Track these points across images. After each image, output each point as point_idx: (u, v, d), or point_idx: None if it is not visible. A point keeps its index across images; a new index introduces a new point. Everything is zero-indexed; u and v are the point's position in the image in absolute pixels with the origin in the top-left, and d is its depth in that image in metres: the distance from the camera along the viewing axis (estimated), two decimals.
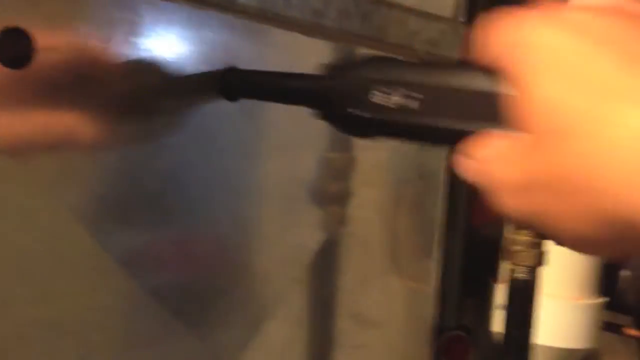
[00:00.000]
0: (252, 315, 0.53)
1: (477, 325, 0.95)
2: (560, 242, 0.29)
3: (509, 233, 0.60)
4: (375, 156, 0.63)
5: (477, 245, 0.93)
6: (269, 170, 0.53)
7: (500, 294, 0.77)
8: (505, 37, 0.28)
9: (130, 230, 0.43)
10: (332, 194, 0.62)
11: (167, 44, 0.42)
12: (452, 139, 0.29)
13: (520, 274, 0.59)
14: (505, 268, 0.64)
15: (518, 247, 0.59)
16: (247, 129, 0.50)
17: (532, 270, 0.59)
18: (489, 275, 0.89)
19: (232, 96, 0.43)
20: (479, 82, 0.28)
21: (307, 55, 0.54)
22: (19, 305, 0.36)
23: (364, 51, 0.58)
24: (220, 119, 0.48)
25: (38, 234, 0.36)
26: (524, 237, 0.58)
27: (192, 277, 0.48)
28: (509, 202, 0.28)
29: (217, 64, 0.45)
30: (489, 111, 0.27)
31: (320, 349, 0.60)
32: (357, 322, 0.63)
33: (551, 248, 0.75)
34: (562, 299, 0.77)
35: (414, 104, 0.30)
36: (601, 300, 0.79)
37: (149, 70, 0.41)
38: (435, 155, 0.70)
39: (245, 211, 0.52)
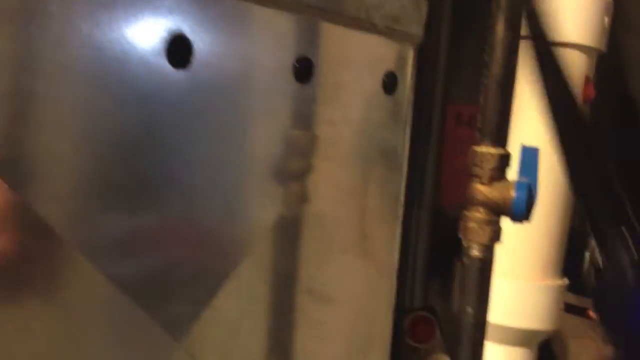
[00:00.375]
0: (206, 289, 0.53)
1: (443, 306, 0.95)
2: None
3: (465, 211, 0.60)
4: (337, 133, 0.63)
5: (445, 226, 0.93)
6: (230, 146, 0.53)
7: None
8: None
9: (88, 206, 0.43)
10: (293, 170, 0.62)
11: None
12: None
13: (475, 251, 0.59)
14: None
15: (473, 224, 0.59)
16: (210, 105, 0.50)
17: (487, 247, 0.59)
18: (456, 256, 0.89)
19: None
20: None
21: (264, 27, 0.54)
22: None
23: (322, 24, 0.58)
24: (182, 95, 0.47)
25: None
26: (478, 214, 0.58)
27: (145, 251, 0.48)
28: None
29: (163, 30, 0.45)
30: None
31: (276, 324, 0.60)
32: (313, 298, 0.63)
33: (515, 230, 0.76)
34: (524, 280, 0.77)
35: None
36: (564, 282, 0.80)
37: None
38: (397, 133, 0.70)
39: (204, 186, 0.51)
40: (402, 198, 0.74)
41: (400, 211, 0.74)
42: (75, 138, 0.42)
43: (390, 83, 0.67)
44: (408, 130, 0.72)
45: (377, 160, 0.68)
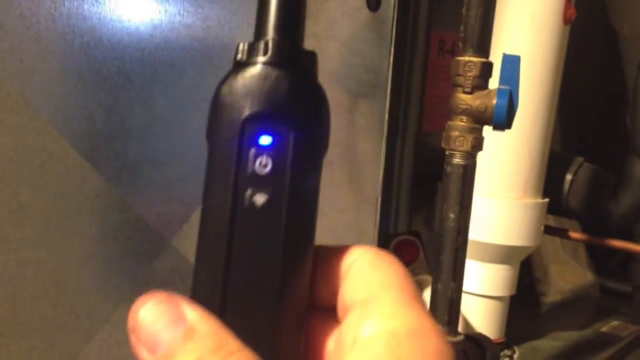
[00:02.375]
0: (195, 192, 0.54)
1: (427, 234, 0.98)
2: None
3: (449, 120, 0.61)
4: (321, 46, 0.63)
5: (427, 152, 0.95)
6: (206, 60, 0.54)
7: None
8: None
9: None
10: None
11: None
12: None
13: (457, 159, 0.60)
14: None
15: (455, 133, 0.60)
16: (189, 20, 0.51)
17: (469, 155, 0.60)
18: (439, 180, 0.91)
19: None
20: None
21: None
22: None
23: None
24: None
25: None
26: (461, 123, 0.60)
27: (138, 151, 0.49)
28: None
29: None
30: None
31: None
32: None
33: (495, 147, 0.77)
34: (504, 198, 0.79)
35: None
36: (544, 201, 0.82)
37: None
38: (381, 51, 0.71)
39: (187, 97, 0.52)
40: (386, 117, 0.75)
41: (385, 129, 0.76)
42: None
43: (374, 0, 0.68)
44: (392, 50, 0.73)
45: (361, 77, 0.69)
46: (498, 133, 0.61)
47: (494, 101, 0.58)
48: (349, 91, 0.69)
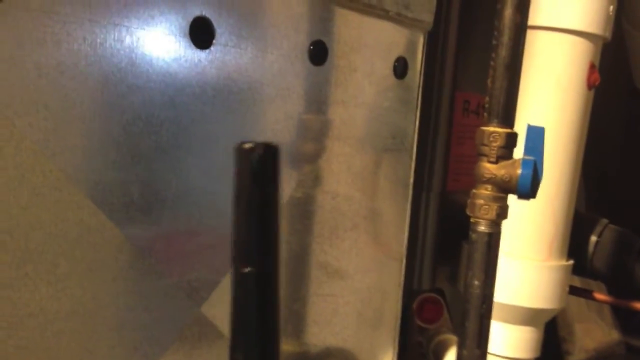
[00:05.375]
0: (225, 259, 0.56)
1: (451, 291, 0.98)
2: None
3: (473, 189, 0.62)
4: (349, 114, 0.65)
5: (452, 212, 0.96)
6: (243, 130, 0.55)
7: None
8: None
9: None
10: (306, 154, 0.64)
11: None
12: None
13: (482, 227, 0.61)
14: None
15: (480, 201, 0.61)
16: (225, 91, 0.52)
17: (494, 223, 0.61)
18: (463, 241, 0.92)
19: None
20: None
21: (282, 12, 0.56)
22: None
23: (336, 10, 0.61)
24: (202, 75, 0.50)
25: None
26: (486, 191, 0.61)
27: (166, 219, 0.50)
28: None
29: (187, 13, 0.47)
30: None
31: (290, 296, 0.63)
32: (327, 272, 0.66)
33: (521, 210, 0.78)
34: (529, 259, 0.79)
35: None
36: (569, 263, 0.82)
37: None
38: (407, 117, 0.73)
39: (219, 168, 0.54)
40: (411, 180, 0.76)
41: (409, 193, 0.77)
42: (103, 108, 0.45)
43: (400, 68, 0.69)
44: (418, 115, 0.75)
45: (387, 142, 0.71)
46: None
47: (519, 171, 0.59)
48: (375, 155, 0.70)
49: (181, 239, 0.51)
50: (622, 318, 1.15)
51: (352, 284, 0.70)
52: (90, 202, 0.44)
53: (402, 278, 0.77)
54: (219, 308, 0.54)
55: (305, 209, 0.63)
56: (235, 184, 0.28)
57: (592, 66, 0.77)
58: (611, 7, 0.77)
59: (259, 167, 0.25)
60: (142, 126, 0.47)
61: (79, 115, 0.43)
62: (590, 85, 0.79)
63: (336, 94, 0.63)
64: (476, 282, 0.62)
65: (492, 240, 0.62)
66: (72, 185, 0.43)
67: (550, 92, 0.77)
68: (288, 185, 0.62)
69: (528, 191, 0.60)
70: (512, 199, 0.61)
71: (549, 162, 0.74)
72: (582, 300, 1.04)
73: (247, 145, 0.26)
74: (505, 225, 0.71)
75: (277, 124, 0.58)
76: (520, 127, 0.62)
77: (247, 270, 0.24)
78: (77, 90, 0.43)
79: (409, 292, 0.91)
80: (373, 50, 0.65)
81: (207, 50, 0.50)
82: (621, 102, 1.16)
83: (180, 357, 0.52)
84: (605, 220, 0.92)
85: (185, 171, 0.50)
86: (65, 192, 0.43)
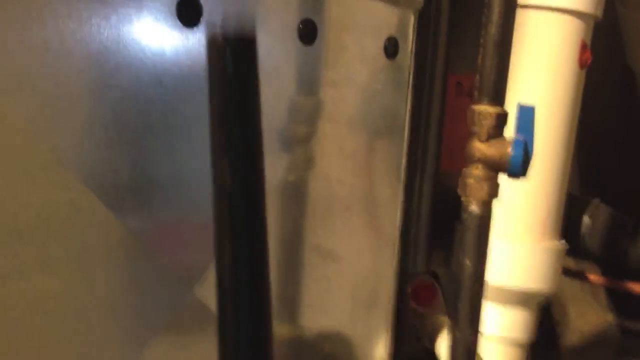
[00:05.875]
0: None
1: (446, 274, 0.98)
2: None
3: (464, 168, 0.62)
4: (339, 94, 0.65)
5: (446, 195, 0.95)
6: None
7: None
8: None
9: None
10: (297, 135, 0.64)
11: None
12: None
13: (473, 207, 0.61)
14: None
15: (471, 181, 0.61)
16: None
17: (485, 203, 0.61)
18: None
19: None
20: None
21: None
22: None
23: None
24: (188, 59, 0.49)
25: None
26: (477, 171, 0.61)
27: (159, 202, 0.50)
28: None
29: None
30: None
31: (284, 279, 0.63)
32: (320, 254, 0.66)
33: (513, 191, 0.78)
34: (522, 241, 0.79)
35: None
36: (562, 244, 0.82)
37: None
38: (399, 97, 0.72)
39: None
40: (404, 161, 0.76)
41: (402, 175, 0.77)
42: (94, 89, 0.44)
43: (391, 48, 0.69)
44: (410, 95, 0.74)
45: (379, 123, 0.71)
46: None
47: (510, 150, 0.59)
48: (367, 136, 0.70)
49: (173, 220, 0.50)
50: (617, 300, 1.16)
51: (345, 267, 0.70)
52: (79, 183, 0.44)
53: (396, 260, 0.77)
54: (212, 290, 0.54)
55: (297, 191, 0.63)
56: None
57: (583, 45, 0.77)
58: None
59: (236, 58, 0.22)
60: (130, 106, 0.47)
61: (66, 94, 0.43)
62: (582, 64, 0.78)
63: (326, 74, 0.63)
64: (468, 262, 0.62)
65: (484, 220, 0.62)
66: (60, 165, 0.43)
67: (541, 71, 0.77)
68: (279, 167, 0.62)
69: (519, 170, 0.60)
70: (505, 179, 0.61)
71: (540, 142, 0.74)
72: (576, 282, 1.05)
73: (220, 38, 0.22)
74: (498, 206, 0.70)
75: (266, 104, 0.58)
76: (511, 107, 0.62)
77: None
78: (63, 69, 0.43)
79: (404, 276, 0.91)
80: (363, 29, 0.65)
81: (195, 29, 0.49)
82: (615, 83, 1.16)
83: (173, 339, 0.52)
84: (597, 201, 0.92)
85: (176, 151, 0.50)
86: (53, 172, 0.43)
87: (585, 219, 0.90)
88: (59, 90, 0.43)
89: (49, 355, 0.44)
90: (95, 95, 0.45)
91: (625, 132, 1.15)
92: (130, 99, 0.46)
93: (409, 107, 0.74)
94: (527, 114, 0.61)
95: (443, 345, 0.82)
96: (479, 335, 0.63)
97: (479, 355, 0.63)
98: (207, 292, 0.53)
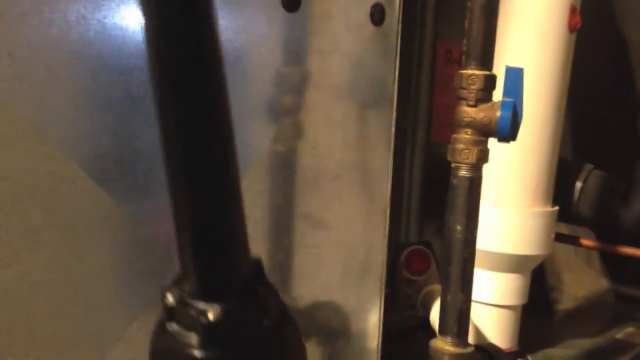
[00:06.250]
0: None
1: (439, 243, 0.98)
2: None
3: (454, 133, 0.62)
4: (326, 62, 0.64)
5: (438, 161, 0.95)
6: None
7: None
8: None
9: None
10: (283, 104, 0.63)
11: None
12: None
13: (463, 172, 0.61)
14: None
15: (460, 146, 0.61)
16: None
17: (475, 167, 0.61)
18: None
19: None
20: None
21: None
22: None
23: None
24: None
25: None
26: (466, 135, 0.60)
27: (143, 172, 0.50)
28: None
29: None
30: None
31: (274, 247, 0.63)
32: (310, 223, 0.66)
33: (503, 156, 0.78)
34: (513, 206, 0.79)
35: None
36: (554, 209, 0.82)
37: None
38: (386, 64, 0.72)
39: None
40: (392, 130, 0.75)
41: (392, 143, 0.76)
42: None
43: (378, 14, 0.68)
44: (397, 64, 0.74)
45: (367, 91, 0.70)
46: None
47: (498, 114, 0.59)
48: (356, 105, 0.70)
49: (157, 190, 0.50)
50: (611, 266, 1.16)
51: (336, 235, 0.69)
52: (60, 153, 0.44)
53: (387, 229, 0.77)
54: None
55: (285, 159, 0.63)
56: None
57: (572, 9, 0.77)
58: None
59: None
60: (111, 75, 0.46)
61: (44, 63, 0.42)
62: (571, 29, 0.78)
63: (312, 41, 0.62)
64: (458, 227, 0.62)
65: (473, 185, 0.61)
66: (40, 135, 0.42)
67: (531, 36, 0.76)
68: (267, 137, 0.61)
69: (508, 134, 0.60)
70: (496, 146, 0.61)
71: (530, 106, 0.74)
72: (570, 248, 1.05)
73: None
74: (489, 173, 0.70)
75: (251, 72, 0.57)
76: (501, 71, 0.61)
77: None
78: (40, 37, 0.42)
79: (397, 246, 0.91)
80: None
81: None
82: (607, 48, 1.15)
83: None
84: (590, 166, 0.92)
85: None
86: (33, 142, 0.42)
87: (578, 185, 0.90)
88: (37, 59, 0.42)
89: (34, 326, 0.44)
90: (74, 64, 0.44)
91: (616, 98, 1.14)
92: (110, 68, 0.46)
93: (396, 75, 0.73)
94: (515, 76, 0.60)
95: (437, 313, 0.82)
96: (471, 300, 0.63)
97: (470, 319, 0.63)
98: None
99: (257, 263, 0.17)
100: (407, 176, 0.90)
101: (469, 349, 0.64)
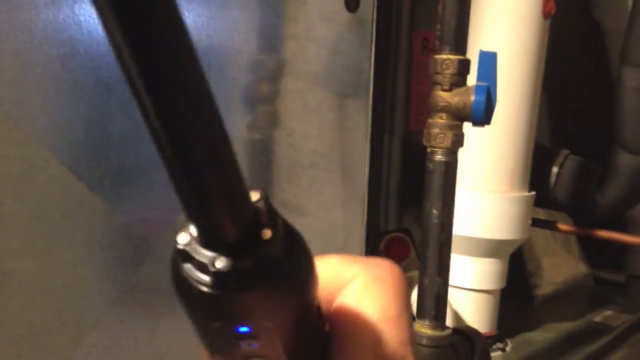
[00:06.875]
0: None
1: (418, 231, 0.98)
2: None
3: (429, 118, 0.62)
4: (301, 48, 0.64)
5: (416, 149, 0.96)
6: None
7: None
8: None
9: None
10: (258, 91, 0.63)
11: None
12: None
13: (438, 156, 0.61)
14: None
15: (436, 130, 0.61)
16: None
17: (450, 152, 0.61)
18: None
19: None
20: None
21: None
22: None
23: None
24: None
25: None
26: (441, 120, 0.61)
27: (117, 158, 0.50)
28: None
29: None
30: None
31: None
32: (287, 209, 0.66)
33: (479, 141, 0.78)
34: (490, 192, 0.80)
35: None
36: (530, 194, 0.82)
37: None
38: (361, 51, 0.72)
39: None
40: (369, 117, 0.76)
41: (368, 130, 0.76)
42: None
43: (352, 1, 0.68)
44: (373, 51, 0.74)
45: (343, 78, 0.70)
46: (483, 128, 0.62)
47: (472, 98, 0.59)
48: (332, 92, 0.70)
49: (130, 176, 0.50)
50: (591, 250, 1.17)
51: (314, 222, 0.70)
52: (31, 139, 0.43)
53: (365, 215, 0.77)
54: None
55: (261, 146, 0.63)
56: None
57: None
58: None
59: None
60: (81, 60, 0.46)
61: (12, 49, 0.42)
62: (545, 15, 0.78)
63: (286, 27, 0.62)
64: (435, 211, 0.62)
65: (449, 169, 0.62)
66: (9, 121, 0.42)
67: (506, 21, 0.77)
68: (242, 124, 0.61)
69: (482, 117, 0.60)
70: (473, 131, 0.61)
71: (505, 91, 0.74)
72: (548, 234, 1.06)
73: None
74: (466, 158, 0.71)
75: (225, 59, 0.57)
76: (475, 56, 0.62)
77: None
78: (8, 23, 0.42)
79: (376, 233, 0.91)
80: None
81: None
82: (582, 35, 1.16)
83: (138, 296, 0.51)
84: (566, 151, 0.93)
85: (131, 107, 0.49)
86: (4, 128, 0.42)
87: (554, 170, 0.91)
88: (3, 45, 0.42)
89: (7, 314, 0.43)
90: (43, 50, 0.44)
91: (592, 84, 1.15)
92: (81, 54, 0.46)
93: (372, 62, 0.73)
94: (488, 60, 0.60)
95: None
96: (448, 283, 0.64)
97: (448, 302, 0.64)
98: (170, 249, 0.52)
99: (264, 197, 0.17)
100: (386, 164, 0.90)
101: (447, 332, 0.64)
